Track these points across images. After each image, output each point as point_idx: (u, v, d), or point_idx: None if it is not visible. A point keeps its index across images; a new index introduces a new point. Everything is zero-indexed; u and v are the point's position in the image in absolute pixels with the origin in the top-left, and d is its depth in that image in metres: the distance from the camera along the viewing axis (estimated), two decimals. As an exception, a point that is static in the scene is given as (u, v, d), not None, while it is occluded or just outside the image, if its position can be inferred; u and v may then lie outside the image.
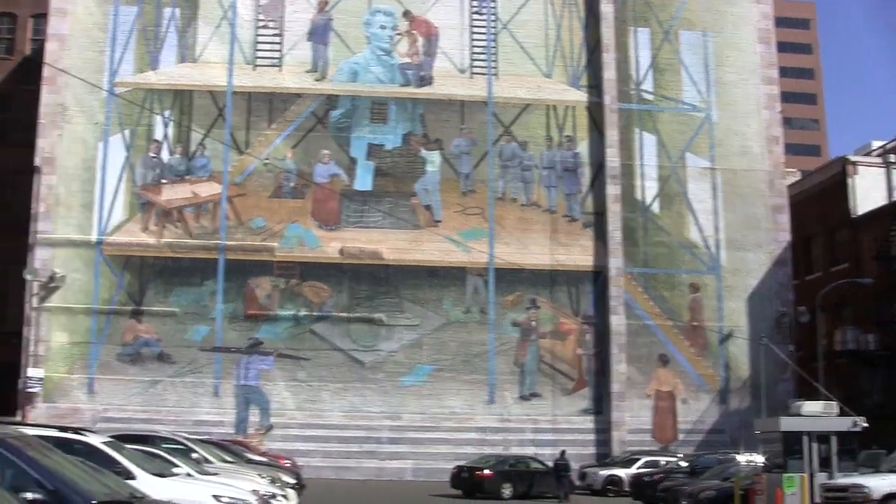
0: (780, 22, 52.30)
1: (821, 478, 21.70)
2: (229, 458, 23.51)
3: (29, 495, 7.94)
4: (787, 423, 22.53)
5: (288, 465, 29.90)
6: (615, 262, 40.26)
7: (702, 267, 41.23)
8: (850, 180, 43.80)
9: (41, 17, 43.34)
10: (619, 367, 39.66)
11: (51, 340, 38.39)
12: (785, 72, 56.43)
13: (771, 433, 23.50)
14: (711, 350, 40.67)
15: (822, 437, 22.16)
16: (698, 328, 40.68)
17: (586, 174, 41.47)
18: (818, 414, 22.86)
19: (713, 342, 40.70)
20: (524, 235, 40.58)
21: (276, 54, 41.27)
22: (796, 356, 40.31)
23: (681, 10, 42.88)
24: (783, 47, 55.13)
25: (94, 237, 39.15)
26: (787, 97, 53.77)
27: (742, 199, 41.70)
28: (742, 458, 28.15)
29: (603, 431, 39.42)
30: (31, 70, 42.29)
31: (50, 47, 40.04)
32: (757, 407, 38.71)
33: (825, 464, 21.97)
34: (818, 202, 45.19)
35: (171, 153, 40.37)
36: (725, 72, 42.54)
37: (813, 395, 30.85)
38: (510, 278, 40.15)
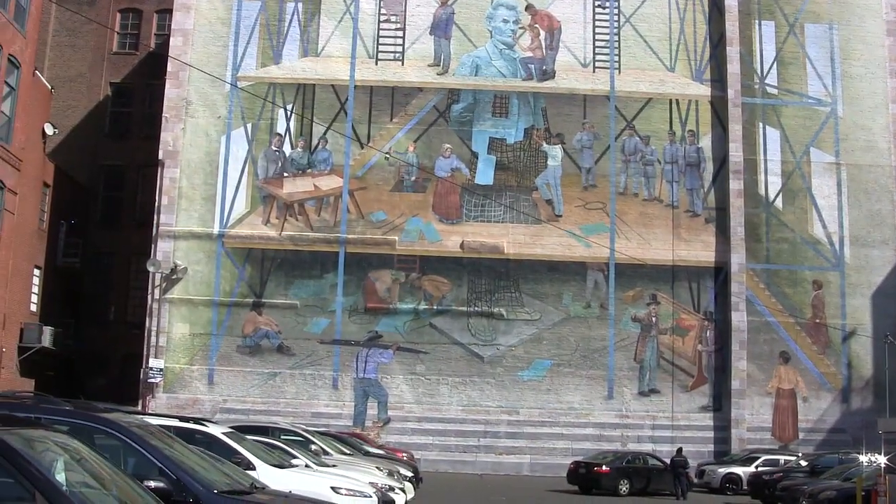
0: (909, 14, 51.03)
1: None
2: (347, 451, 23.84)
3: (151, 483, 8.02)
4: (913, 424, 22.18)
5: (405, 458, 30.14)
6: (737, 258, 39.74)
7: (825, 264, 40.55)
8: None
9: (166, 12, 44.13)
10: (740, 364, 39.18)
11: (172, 331, 38.81)
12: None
13: (895, 433, 23.08)
14: (834, 348, 40.00)
15: (949, 438, 21.81)
16: (820, 325, 40.01)
17: (709, 169, 40.92)
18: None
19: (836, 340, 40.00)
20: (645, 230, 40.23)
21: (398, 48, 41.24)
22: (922, 355, 39.61)
23: (806, 2, 42.07)
24: (911, 40, 53.54)
25: (215, 230, 39.48)
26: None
27: (867, 194, 40.92)
28: (864, 459, 27.69)
29: (722, 429, 38.99)
30: (155, 65, 42.95)
31: (174, 42, 40.48)
32: (880, 407, 38.10)
33: (950, 465, 21.59)
34: (945, 198, 44.17)
35: (293, 147, 40.56)
36: (852, 65, 41.69)
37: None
38: (630, 273, 39.82)
